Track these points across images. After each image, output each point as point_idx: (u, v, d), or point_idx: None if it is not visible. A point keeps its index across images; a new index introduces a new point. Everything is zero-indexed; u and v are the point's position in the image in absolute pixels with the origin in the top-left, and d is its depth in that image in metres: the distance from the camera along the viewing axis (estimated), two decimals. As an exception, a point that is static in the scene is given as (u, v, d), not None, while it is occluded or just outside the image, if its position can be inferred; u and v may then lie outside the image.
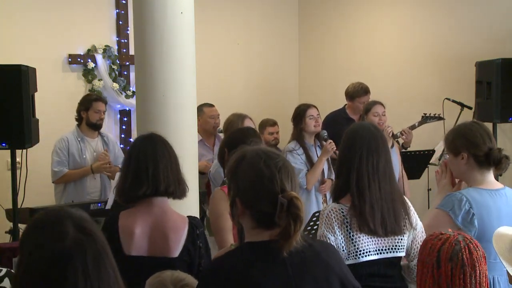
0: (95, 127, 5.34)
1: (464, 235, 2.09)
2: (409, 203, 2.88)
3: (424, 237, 2.79)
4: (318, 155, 5.05)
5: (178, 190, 2.87)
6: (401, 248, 2.79)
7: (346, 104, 6.12)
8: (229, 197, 2.06)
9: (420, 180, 5.84)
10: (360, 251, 2.70)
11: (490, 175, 2.99)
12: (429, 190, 5.97)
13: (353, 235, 2.70)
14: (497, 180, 5.30)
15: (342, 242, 2.70)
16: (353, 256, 2.70)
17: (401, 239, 2.78)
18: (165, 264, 2.67)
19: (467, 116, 5.73)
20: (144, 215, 2.82)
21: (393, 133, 5.14)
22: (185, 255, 2.83)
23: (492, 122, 5.40)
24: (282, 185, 1.95)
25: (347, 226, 2.70)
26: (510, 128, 5.88)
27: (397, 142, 5.27)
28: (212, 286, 1.96)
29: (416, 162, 5.61)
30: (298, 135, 5.14)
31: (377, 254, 2.74)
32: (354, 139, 2.82)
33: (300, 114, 5.16)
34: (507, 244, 2.34)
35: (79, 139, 5.28)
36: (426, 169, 5.84)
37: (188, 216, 2.94)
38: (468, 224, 2.84)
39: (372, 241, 2.73)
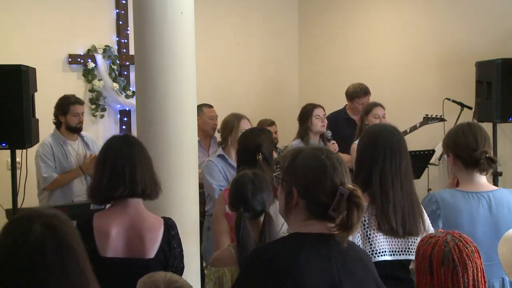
0: (76, 130, 5.26)
1: (452, 234, 2.09)
2: (422, 207, 2.89)
3: None
4: None
5: (153, 191, 2.86)
6: (413, 251, 2.78)
7: (346, 105, 6.13)
8: (283, 189, 2.10)
9: (420, 180, 5.83)
10: (376, 250, 2.71)
11: (478, 177, 3.01)
12: (429, 190, 5.97)
13: (369, 234, 2.70)
14: (497, 180, 5.36)
15: (359, 240, 2.70)
16: (369, 255, 2.70)
17: (415, 242, 2.78)
18: (141, 265, 2.66)
19: (467, 116, 5.73)
20: (119, 216, 2.80)
21: None
22: (161, 256, 2.82)
23: (492, 122, 5.40)
24: (342, 178, 2.03)
25: (364, 225, 2.70)
26: (510, 128, 5.88)
27: None
28: (258, 272, 1.99)
29: (416, 162, 5.61)
30: (303, 134, 5.16)
31: (391, 255, 2.74)
32: (376, 139, 2.82)
33: (307, 113, 5.19)
34: None
35: (61, 143, 5.20)
36: (426, 169, 5.84)
37: (162, 217, 2.92)
38: (433, 224, 2.90)
39: (387, 241, 2.73)
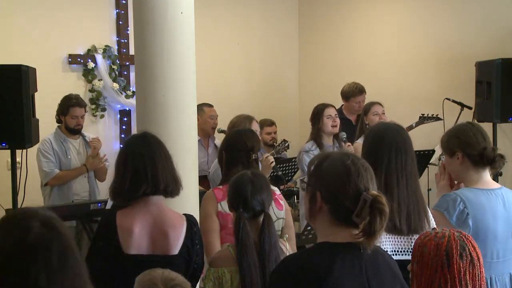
0: (74, 132, 5.29)
1: (460, 231, 2.10)
2: (426, 204, 2.88)
3: None
4: None
5: (175, 189, 2.89)
6: None
7: (342, 105, 6.12)
8: (307, 194, 2.09)
9: (420, 180, 5.82)
10: None
11: (486, 175, 3.00)
12: (429, 190, 5.97)
13: None
14: (497, 180, 5.36)
15: None
16: None
17: None
18: (165, 261, 2.66)
19: (467, 116, 5.73)
20: (142, 213, 2.83)
21: None
22: (184, 252, 2.84)
23: (492, 122, 5.41)
24: (367, 184, 2.01)
25: None
26: (510, 128, 5.88)
27: None
28: (290, 285, 1.97)
29: (416, 162, 5.60)
30: (316, 135, 5.10)
31: (394, 255, 2.72)
32: (382, 137, 2.82)
33: (318, 114, 5.12)
34: None
35: (61, 140, 5.24)
36: (426, 169, 5.84)
37: (184, 214, 2.94)
38: (462, 224, 2.86)
39: (390, 241, 2.73)
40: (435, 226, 2.85)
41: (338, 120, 5.12)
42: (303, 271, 1.97)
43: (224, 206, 3.27)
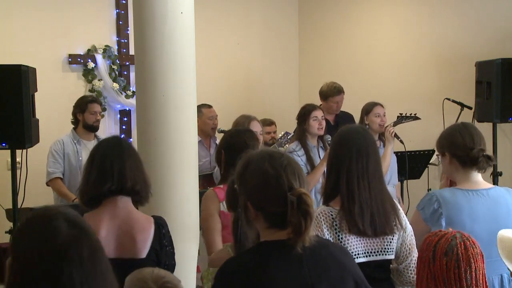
0: (92, 128, 5.37)
1: (461, 233, 2.12)
2: (398, 205, 2.88)
3: (413, 239, 2.83)
4: (321, 157, 4.99)
5: (144, 190, 2.83)
6: (390, 251, 2.79)
7: (321, 104, 6.09)
8: (240, 202, 2.07)
9: (420, 180, 5.84)
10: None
11: (475, 175, 3.03)
12: (429, 190, 5.97)
13: (342, 238, 2.69)
14: (497, 180, 5.36)
15: None
16: None
17: (390, 242, 2.78)
18: (133, 265, 2.60)
19: (467, 116, 5.74)
20: (109, 216, 2.77)
21: (395, 134, 5.12)
22: (153, 255, 2.81)
23: (492, 122, 5.41)
24: (289, 183, 1.97)
25: (336, 229, 2.70)
26: (510, 128, 5.88)
27: (401, 142, 5.24)
28: (229, 285, 1.98)
29: (416, 162, 5.61)
30: (301, 135, 5.08)
31: (366, 256, 2.73)
32: (344, 140, 2.83)
33: (304, 114, 5.08)
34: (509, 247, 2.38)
35: (75, 141, 5.31)
36: (426, 169, 5.85)
37: (153, 216, 2.91)
38: (436, 223, 2.91)
39: (361, 243, 2.73)
40: (408, 225, 2.86)
41: (324, 123, 5.07)
42: (239, 271, 1.97)
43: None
